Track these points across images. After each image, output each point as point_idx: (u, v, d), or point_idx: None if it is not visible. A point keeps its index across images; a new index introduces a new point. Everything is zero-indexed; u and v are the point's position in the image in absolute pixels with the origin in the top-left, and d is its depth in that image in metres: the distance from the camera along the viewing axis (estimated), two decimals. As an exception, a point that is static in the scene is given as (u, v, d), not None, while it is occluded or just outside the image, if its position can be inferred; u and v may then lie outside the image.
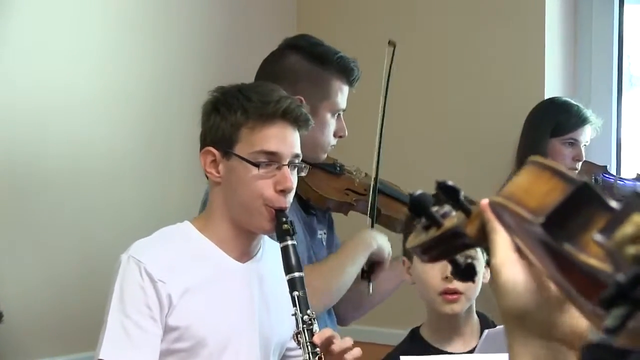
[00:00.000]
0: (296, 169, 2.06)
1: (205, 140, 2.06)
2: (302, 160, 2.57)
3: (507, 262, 0.88)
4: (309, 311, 1.95)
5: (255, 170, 1.99)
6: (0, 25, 2.66)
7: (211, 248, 2.05)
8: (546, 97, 3.23)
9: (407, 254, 2.26)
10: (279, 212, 2.00)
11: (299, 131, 2.06)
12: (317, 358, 1.91)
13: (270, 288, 2.09)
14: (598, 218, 0.74)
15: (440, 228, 0.98)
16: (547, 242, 0.78)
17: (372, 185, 2.57)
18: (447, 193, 0.94)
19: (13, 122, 2.68)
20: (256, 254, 2.11)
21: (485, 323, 2.23)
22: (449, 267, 2.12)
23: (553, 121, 2.98)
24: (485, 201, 0.92)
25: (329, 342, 1.92)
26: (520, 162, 2.99)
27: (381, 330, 3.21)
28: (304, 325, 1.93)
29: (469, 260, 1.02)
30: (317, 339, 1.91)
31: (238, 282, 2.06)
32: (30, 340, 2.70)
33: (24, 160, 2.71)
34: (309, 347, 1.92)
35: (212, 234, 2.05)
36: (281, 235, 2.00)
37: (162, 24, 3.12)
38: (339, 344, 1.93)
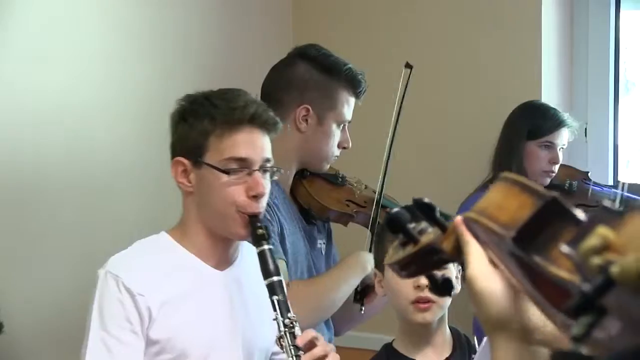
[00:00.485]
0: (268, 173, 2.05)
1: (175, 150, 2.05)
2: (306, 170, 2.59)
3: (482, 273, 0.92)
4: (289, 314, 1.94)
5: (225, 178, 1.98)
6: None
7: (189, 258, 2.04)
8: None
9: (379, 266, 2.24)
10: (253, 218, 1.99)
11: (268, 135, 2.04)
12: None
13: (250, 293, 2.08)
14: (566, 231, 0.76)
15: (417, 244, 1.00)
16: (519, 255, 0.81)
17: (375, 200, 2.58)
18: (423, 210, 0.97)
19: (12, 127, 2.68)
20: (235, 260, 2.10)
21: (458, 336, 2.22)
22: (422, 277, 2.12)
23: (529, 124, 3.01)
24: (458, 217, 0.95)
25: (312, 344, 1.92)
26: (497, 165, 3.05)
27: (376, 336, 3.21)
28: (286, 329, 1.92)
29: (446, 275, 1.04)
30: (300, 341, 1.91)
31: (218, 290, 2.05)
32: (31, 350, 2.70)
33: (23, 166, 2.71)
34: (292, 350, 1.92)
35: (189, 244, 2.05)
36: (257, 240, 1.99)
37: (160, 27, 3.12)
38: (321, 348, 1.93)
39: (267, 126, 2.03)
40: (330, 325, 2.67)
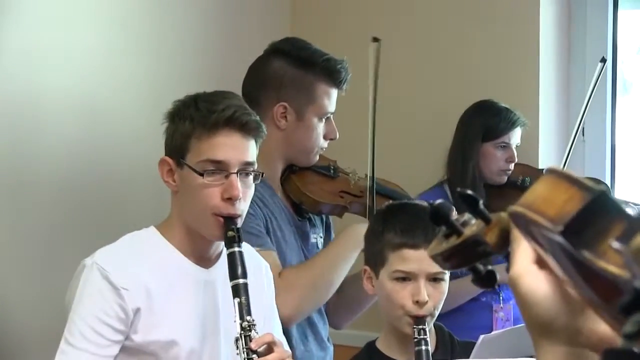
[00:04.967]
0: (249, 176, 2.07)
1: (165, 149, 2.12)
2: (295, 165, 2.58)
3: (526, 273, 0.89)
4: (249, 317, 1.96)
5: (200, 179, 2.02)
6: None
7: (174, 254, 2.09)
8: (541, 103, 3.26)
9: (369, 263, 2.21)
10: (228, 220, 2.02)
11: (252, 138, 2.06)
12: None
13: None
14: (615, 226, 0.76)
15: (461, 236, 0.99)
16: (567, 249, 0.80)
17: (368, 186, 2.56)
18: (467, 202, 0.96)
19: (12, 124, 2.67)
20: (218, 260, 2.14)
21: (441, 334, 2.21)
22: (422, 291, 2.09)
23: (484, 126, 3.05)
24: (510, 211, 0.93)
25: (269, 349, 1.97)
26: (452, 166, 3.07)
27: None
28: (242, 332, 1.96)
29: (489, 267, 1.03)
30: (254, 344, 1.94)
31: (202, 287, 2.10)
32: (26, 348, 2.69)
33: (19, 161, 2.70)
34: (245, 353, 1.95)
35: (173, 240, 2.10)
36: (227, 242, 2.01)
37: (157, 25, 3.11)
38: (277, 355, 1.97)
39: (247, 129, 2.05)
40: (325, 320, 2.67)
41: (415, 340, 2.03)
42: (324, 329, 2.66)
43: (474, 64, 3.34)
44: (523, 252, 0.90)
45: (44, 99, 2.76)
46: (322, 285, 2.43)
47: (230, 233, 2.01)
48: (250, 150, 2.06)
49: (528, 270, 0.89)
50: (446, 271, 2.11)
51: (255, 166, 2.08)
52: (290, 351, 2.07)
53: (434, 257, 1.04)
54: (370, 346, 2.21)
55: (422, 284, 2.08)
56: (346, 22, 3.56)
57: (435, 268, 2.08)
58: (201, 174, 2.01)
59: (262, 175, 2.12)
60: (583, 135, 3.33)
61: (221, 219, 2.02)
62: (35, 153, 2.73)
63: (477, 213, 0.97)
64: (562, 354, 0.89)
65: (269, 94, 2.52)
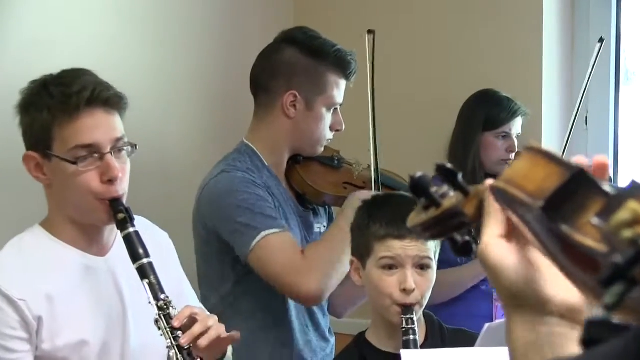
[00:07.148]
0: (123, 152, 1.96)
1: (26, 143, 1.99)
2: (300, 155, 2.57)
3: (493, 245, 0.94)
4: (163, 296, 1.88)
5: (74, 167, 1.90)
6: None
7: (67, 250, 1.99)
8: (544, 92, 3.25)
9: (356, 254, 2.19)
10: (113, 202, 1.92)
11: (117, 112, 1.95)
12: (180, 342, 1.86)
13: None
14: (593, 202, 0.80)
15: (440, 208, 1.02)
16: (546, 224, 0.84)
17: (373, 178, 2.57)
18: (446, 175, 1.00)
19: (12, 115, 2.66)
20: (113, 243, 2.04)
21: (431, 323, 2.20)
22: (409, 278, 2.07)
23: (485, 116, 3.05)
24: (489, 181, 0.97)
25: (192, 320, 1.88)
26: (453, 156, 3.07)
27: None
28: (160, 312, 1.87)
29: (467, 238, 1.06)
30: (176, 322, 1.87)
31: (103, 276, 2.00)
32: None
33: (13, 155, 2.68)
34: (169, 332, 1.87)
35: (62, 236, 1.99)
36: (120, 225, 1.92)
37: (160, 19, 3.10)
38: (201, 325, 1.88)
39: (110, 105, 1.94)
40: (325, 312, 2.67)
41: (403, 329, 2.02)
42: (324, 320, 2.66)
43: (476, 53, 3.34)
44: (492, 224, 0.95)
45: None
46: (342, 261, 2.37)
47: (120, 215, 1.92)
48: (118, 125, 1.95)
49: (495, 242, 0.93)
50: (432, 258, 2.10)
51: (126, 139, 1.97)
52: (215, 316, 1.95)
53: (414, 228, 1.07)
54: (360, 337, 2.20)
55: (409, 272, 2.06)
56: (349, 15, 3.55)
57: (422, 253, 2.08)
58: (74, 163, 1.90)
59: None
60: (586, 124, 3.32)
61: (106, 203, 1.92)
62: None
63: (456, 186, 1.00)
64: (532, 324, 0.92)
65: (279, 81, 2.53)
